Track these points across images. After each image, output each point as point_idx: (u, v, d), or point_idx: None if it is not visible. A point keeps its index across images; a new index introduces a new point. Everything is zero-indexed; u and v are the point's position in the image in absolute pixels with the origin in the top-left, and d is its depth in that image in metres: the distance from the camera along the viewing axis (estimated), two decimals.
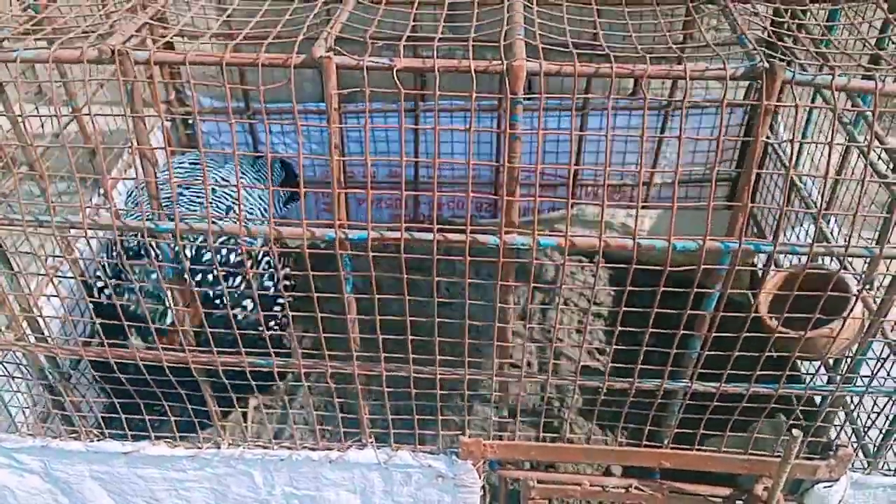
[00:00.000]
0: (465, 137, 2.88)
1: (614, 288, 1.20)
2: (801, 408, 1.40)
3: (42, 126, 2.13)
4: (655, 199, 2.86)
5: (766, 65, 1.04)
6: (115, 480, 1.60)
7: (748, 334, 1.25)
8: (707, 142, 2.84)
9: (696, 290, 1.17)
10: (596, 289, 1.22)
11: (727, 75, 1.05)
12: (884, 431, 1.47)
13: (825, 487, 1.48)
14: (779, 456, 1.45)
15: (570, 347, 2.48)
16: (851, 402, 1.54)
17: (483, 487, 1.58)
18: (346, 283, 1.26)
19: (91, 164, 2.26)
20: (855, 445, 1.56)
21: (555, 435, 1.62)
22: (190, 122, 2.83)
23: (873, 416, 1.52)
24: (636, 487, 1.53)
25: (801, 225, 2.32)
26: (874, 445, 1.53)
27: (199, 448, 1.54)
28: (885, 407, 1.48)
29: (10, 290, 1.36)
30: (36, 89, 3.37)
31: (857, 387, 1.36)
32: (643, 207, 2.82)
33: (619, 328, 1.24)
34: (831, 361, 1.78)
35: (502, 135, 2.70)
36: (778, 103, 1.05)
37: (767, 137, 1.67)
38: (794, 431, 1.33)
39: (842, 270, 1.25)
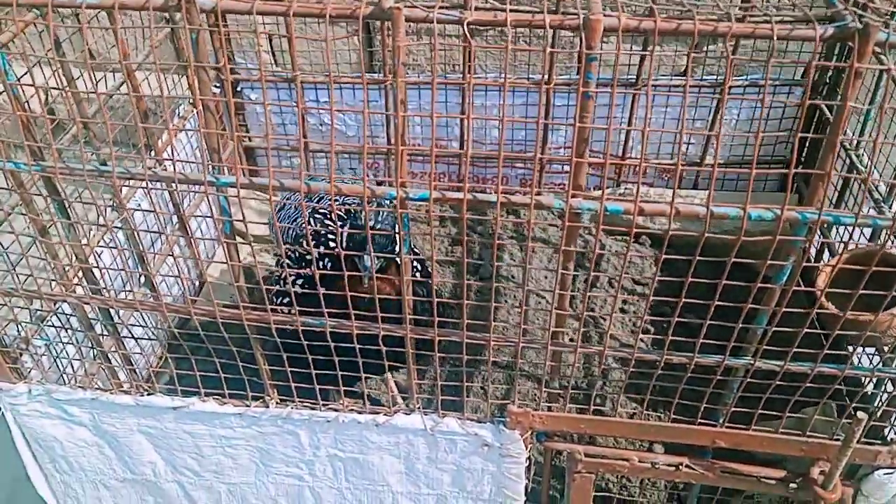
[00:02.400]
0: (505, 112, 2.87)
1: (674, 256, 1.15)
2: (847, 390, 1.36)
3: (96, 86, 2.14)
4: (706, 180, 2.79)
5: (860, 25, 0.99)
6: (163, 435, 1.61)
7: (801, 311, 1.21)
8: (764, 122, 2.77)
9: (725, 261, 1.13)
10: (661, 258, 1.18)
11: (817, 35, 1.00)
12: None
13: (885, 474, 1.43)
14: (837, 439, 1.41)
15: (620, 324, 2.45)
16: None
17: (528, 459, 1.56)
18: (404, 244, 1.24)
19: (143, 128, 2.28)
20: None
21: (599, 409, 1.59)
22: (238, 88, 2.84)
23: None
24: (687, 466, 1.50)
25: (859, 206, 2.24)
26: None
27: (248, 406, 1.54)
28: None
29: (68, 240, 1.36)
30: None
31: None
32: (694, 188, 2.78)
33: (683, 300, 1.20)
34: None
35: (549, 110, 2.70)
36: (871, 66, 0.99)
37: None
38: (860, 414, 1.28)
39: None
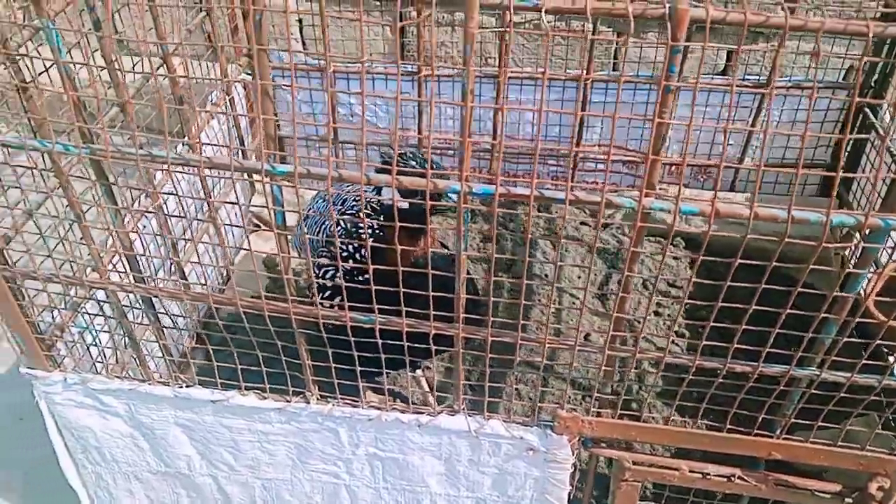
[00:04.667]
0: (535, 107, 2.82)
1: (751, 262, 1.10)
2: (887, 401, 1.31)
3: (134, 74, 2.10)
4: (744, 182, 2.74)
5: None
6: (200, 429, 1.58)
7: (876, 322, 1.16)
8: (804, 125, 2.72)
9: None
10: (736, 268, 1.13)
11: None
12: None
13: None
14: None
15: (655, 327, 2.40)
16: None
17: (574, 465, 1.52)
18: (463, 240, 1.20)
19: (178, 113, 2.24)
20: None
21: (634, 414, 1.55)
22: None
23: None
24: (739, 477, 1.46)
25: None
26: None
27: (288, 401, 1.50)
28: None
29: (114, 226, 1.33)
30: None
31: None
32: (730, 190, 2.72)
33: (753, 308, 1.15)
34: None
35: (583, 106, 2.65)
36: None
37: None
38: None
39: None
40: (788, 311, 1.14)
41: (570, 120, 2.71)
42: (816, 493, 1.45)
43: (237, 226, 2.39)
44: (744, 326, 1.17)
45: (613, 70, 2.70)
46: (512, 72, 2.65)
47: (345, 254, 1.77)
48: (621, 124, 2.69)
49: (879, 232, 1.07)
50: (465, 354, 2.15)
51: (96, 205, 1.31)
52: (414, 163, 1.59)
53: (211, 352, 1.49)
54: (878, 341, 1.18)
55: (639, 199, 1.08)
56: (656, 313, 2.43)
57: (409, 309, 1.30)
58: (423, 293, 1.24)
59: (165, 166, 1.23)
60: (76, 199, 1.39)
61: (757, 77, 2.57)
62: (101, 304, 1.77)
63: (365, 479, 1.62)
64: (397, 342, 1.35)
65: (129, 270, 1.43)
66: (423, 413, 1.49)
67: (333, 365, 1.44)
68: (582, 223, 2.82)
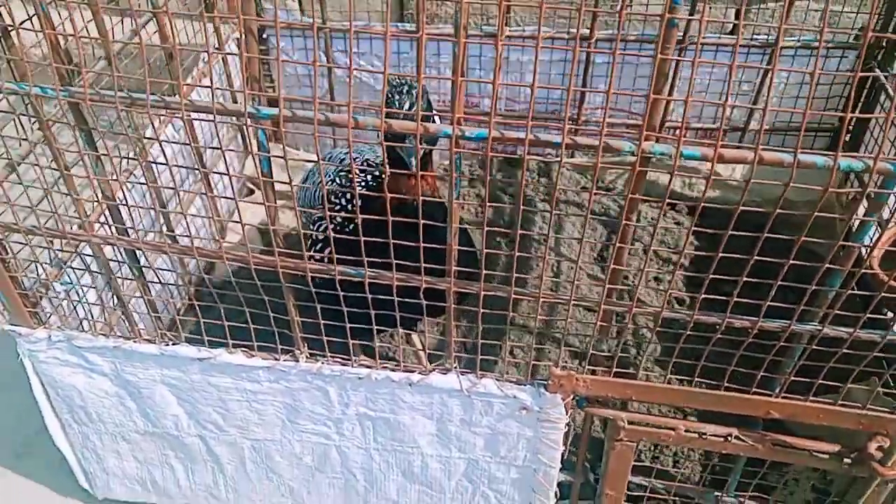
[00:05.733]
0: (543, 69, 2.76)
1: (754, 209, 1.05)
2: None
3: (122, 28, 2.04)
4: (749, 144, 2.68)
5: None
6: (187, 388, 1.55)
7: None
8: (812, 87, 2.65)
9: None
10: (736, 210, 1.09)
11: None
12: None
13: None
14: None
15: (655, 292, 2.36)
16: None
17: (568, 424, 1.49)
18: (455, 189, 1.16)
19: (168, 70, 2.18)
20: None
21: (630, 374, 1.51)
22: (264, 36, 2.73)
23: None
24: (736, 437, 1.43)
25: None
26: None
27: (276, 360, 1.47)
28: None
29: (95, 174, 1.28)
30: None
31: None
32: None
33: (755, 258, 1.11)
34: None
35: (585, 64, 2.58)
36: None
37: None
38: None
39: None
40: (790, 262, 1.10)
41: (572, 81, 2.64)
42: (814, 453, 1.42)
43: (233, 175, 2.34)
44: (744, 279, 1.13)
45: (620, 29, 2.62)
46: (512, 31, 2.58)
47: (337, 207, 1.73)
48: (626, 87, 2.63)
49: (889, 178, 1.03)
50: (461, 316, 2.13)
51: (77, 155, 1.26)
52: (406, 89, 1.50)
53: (198, 309, 1.45)
54: (883, 295, 1.14)
55: (638, 140, 1.03)
56: (656, 278, 2.39)
57: (403, 262, 1.26)
58: (415, 244, 1.19)
59: (151, 112, 1.18)
60: (62, 151, 1.35)
61: (766, 37, 2.50)
62: (90, 260, 1.73)
63: (355, 440, 1.59)
64: (388, 297, 1.31)
65: (111, 222, 1.39)
66: (414, 372, 1.46)
67: (323, 322, 1.41)
68: (583, 188, 2.78)
